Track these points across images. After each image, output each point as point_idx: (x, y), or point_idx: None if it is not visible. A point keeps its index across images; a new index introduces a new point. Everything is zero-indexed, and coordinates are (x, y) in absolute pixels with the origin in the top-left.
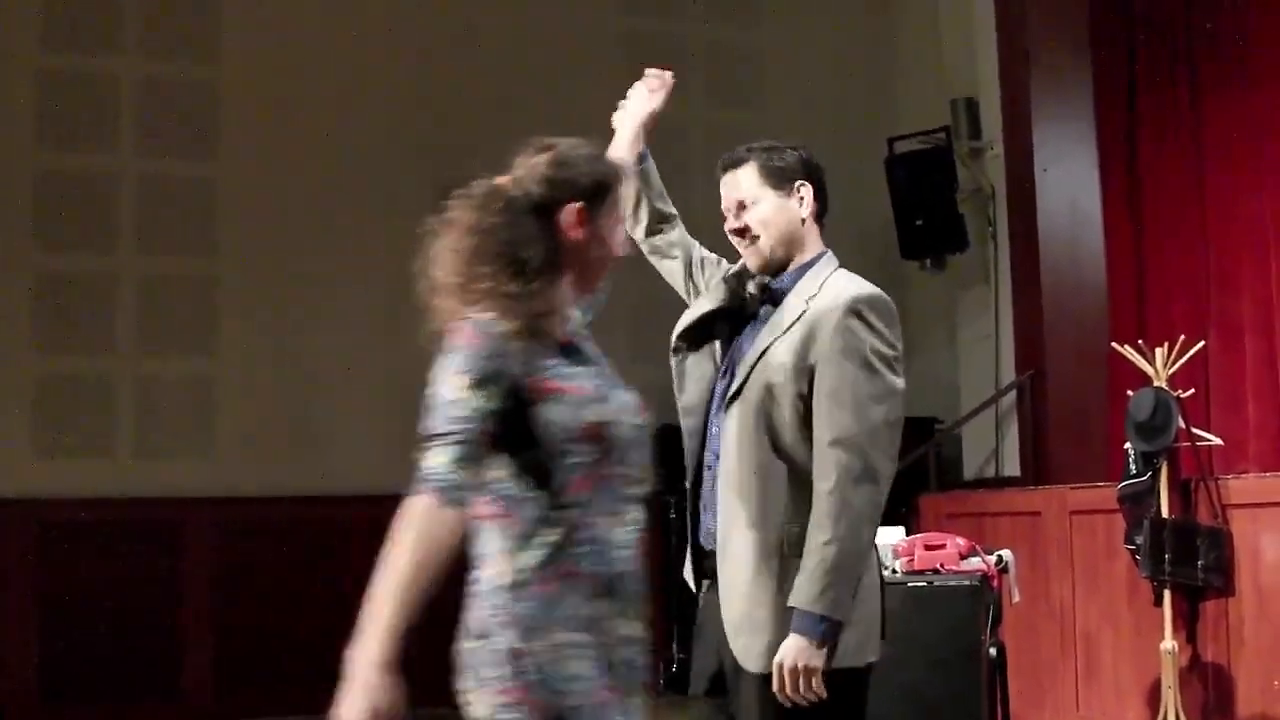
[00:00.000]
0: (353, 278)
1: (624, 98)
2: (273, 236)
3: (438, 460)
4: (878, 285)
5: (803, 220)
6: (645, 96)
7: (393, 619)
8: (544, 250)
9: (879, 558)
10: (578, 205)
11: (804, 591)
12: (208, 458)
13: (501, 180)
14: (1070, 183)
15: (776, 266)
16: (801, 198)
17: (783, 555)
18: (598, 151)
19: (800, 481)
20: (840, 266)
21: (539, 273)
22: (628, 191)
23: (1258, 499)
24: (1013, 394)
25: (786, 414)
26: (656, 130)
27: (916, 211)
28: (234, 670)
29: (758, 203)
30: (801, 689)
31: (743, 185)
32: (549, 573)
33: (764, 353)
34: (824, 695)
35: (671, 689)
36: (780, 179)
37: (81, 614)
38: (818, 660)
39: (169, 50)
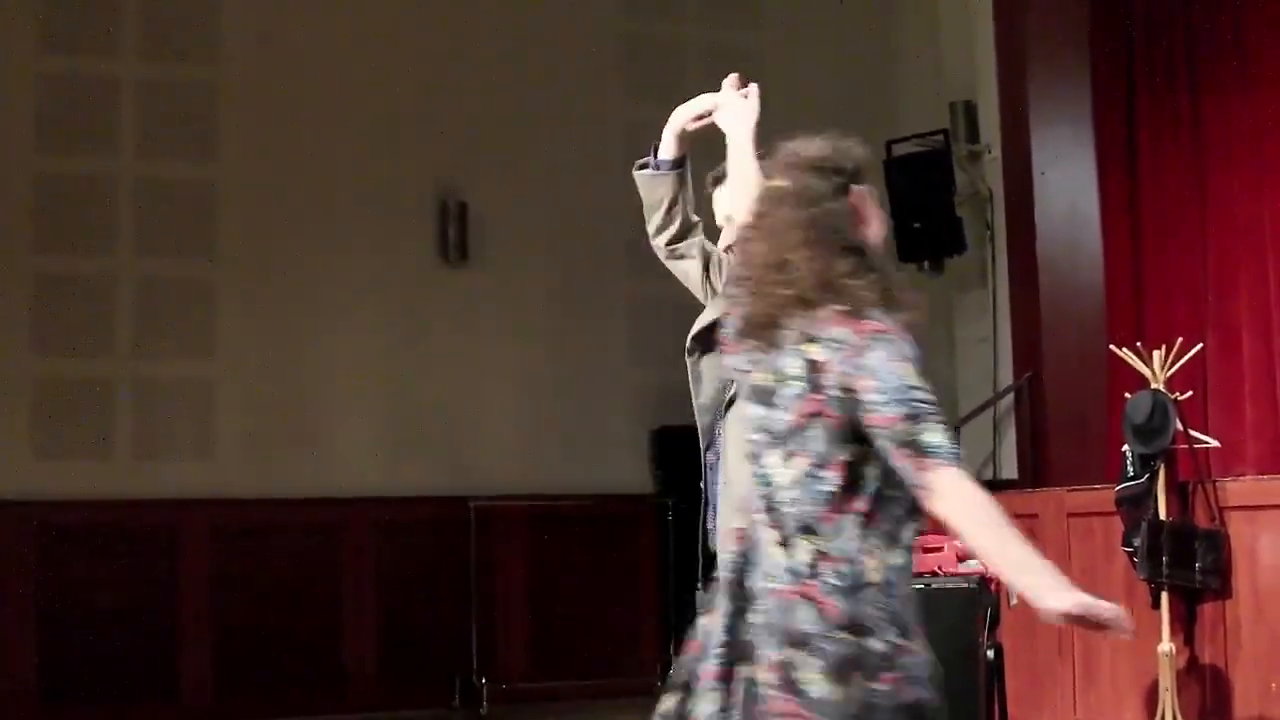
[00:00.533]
0: (351, 280)
1: (623, 99)
2: (271, 239)
3: (938, 437)
4: None
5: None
6: (709, 104)
7: (1027, 554)
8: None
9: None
10: (863, 188)
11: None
12: (206, 459)
13: (779, 182)
14: (1068, 185)
15: None
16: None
17: None
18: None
19: None
20: None
21: (869, 263)
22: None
23: (1255, 501)
24: (1011, 396)
25: None
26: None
27: (915, 214)
28: (232, 671)
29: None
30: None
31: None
32: (910, 576)
33: None
34: None
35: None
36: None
37: (80, 615)
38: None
39: (168, 53)
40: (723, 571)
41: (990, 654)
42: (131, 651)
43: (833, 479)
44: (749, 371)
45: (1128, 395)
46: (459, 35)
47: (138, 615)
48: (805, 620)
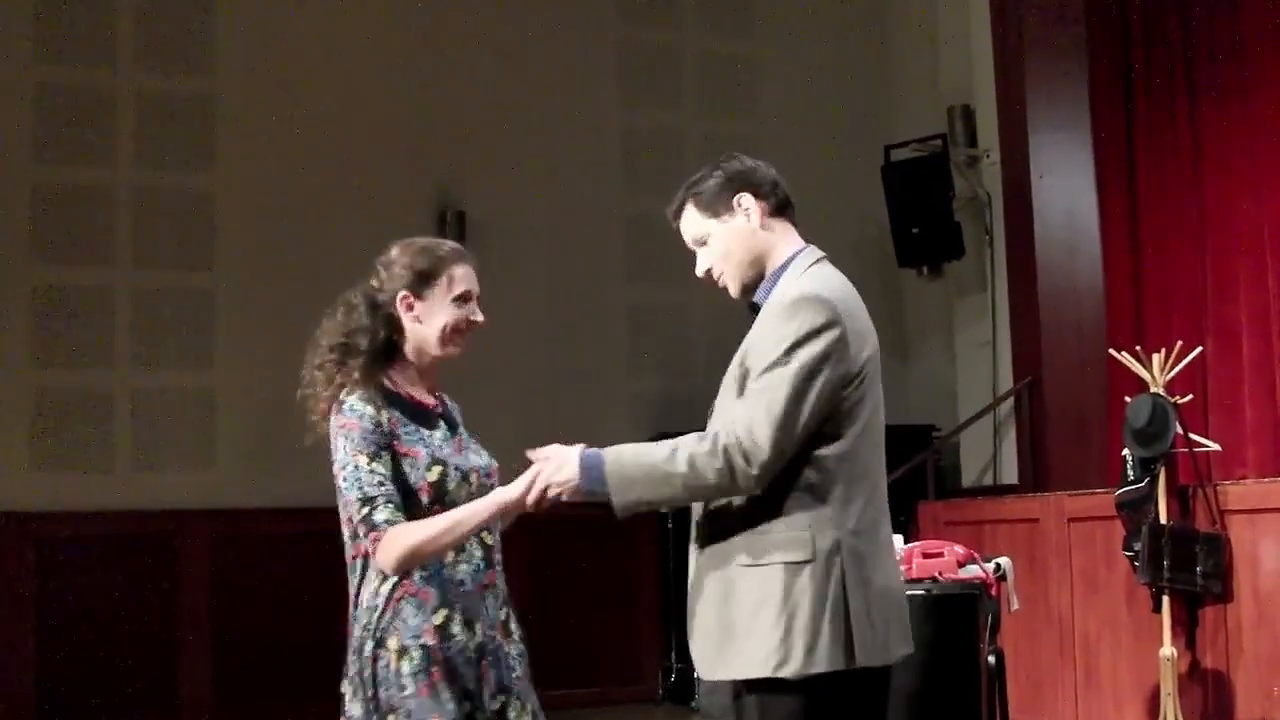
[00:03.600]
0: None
1: (620, 107)
2: (269, 249)
3: (383, 515)
4: (874, 293)
5: (758, 229)
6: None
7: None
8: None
9: (895, 562)
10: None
11: (628, 459)
12: (205, 470)
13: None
14: (1067, 190)
15: (754, 286)
16: (745, 209)
17: (729, 564)
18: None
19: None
20: (821, 260)
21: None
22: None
23: (1255, 505)
24: (1010, 401)
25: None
26: (652, 140)
27: (913, 219)
28: (232, 681)
29: (709, 239)
30: (535, 496)
31: (691, 228)
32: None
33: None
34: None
35: (672, 699)
36: (715, 204)
37: (79, 626)
38: (565, 488)
39: (165, 63)
40: None
41: (991, 659)
42: (131, 662)
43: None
44: None
45: (1128, 399)
46: (456, 44)
47: (137, 625)
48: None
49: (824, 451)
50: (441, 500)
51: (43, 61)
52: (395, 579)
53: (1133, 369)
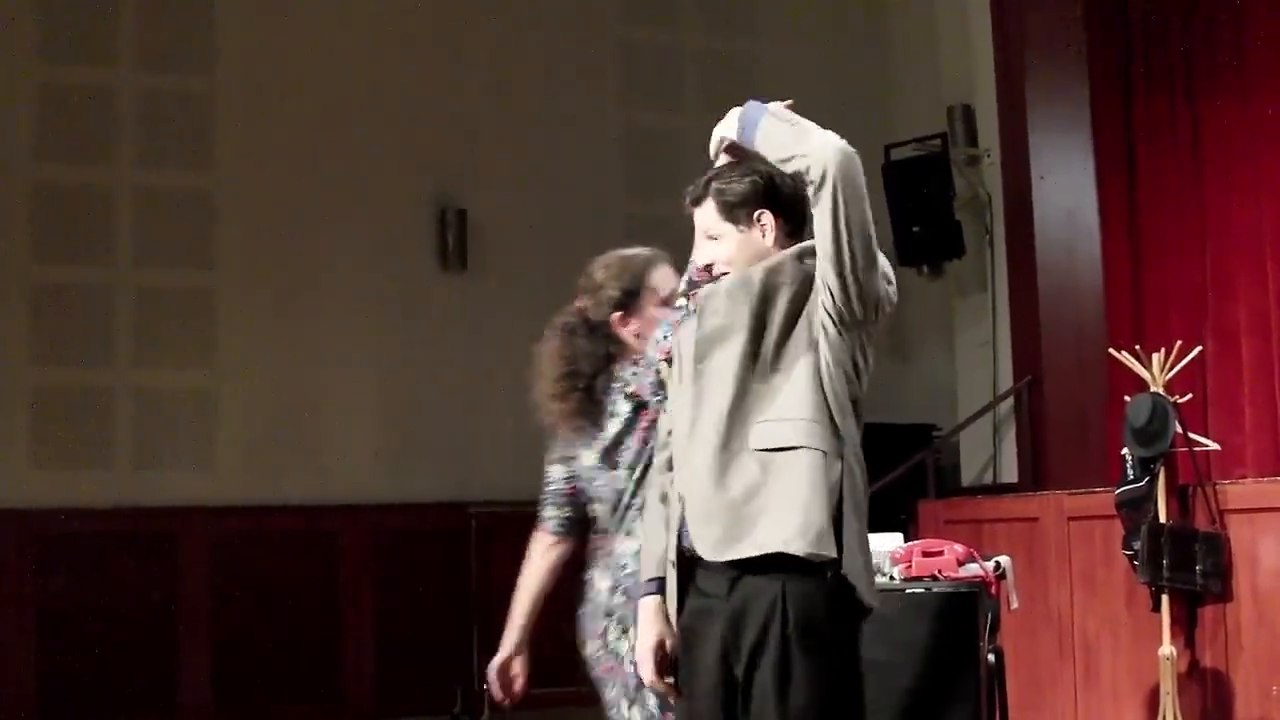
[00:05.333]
0: (350, 288)
1: (621, 106)
2: (270, 248)
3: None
4: None
5: (770, 247)
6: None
7: None
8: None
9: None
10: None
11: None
12: (205, 468)
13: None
14: (1067, 190)
15: None
16: (764, 226)
17: (731, 450)
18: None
19: (768, 382)
20: None
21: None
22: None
23: (1255, 504)
24: (1010, 400)
25: (760, 314)
26: (652, 140)
27: (913, 218)
28: (232, 680)
29: (721, 238)
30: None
31: (707, 222)
32: None
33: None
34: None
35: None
36: (737, 212)
37: (79, 624)
38: (731, 133)
39: (165, 63)
40: None
41: (991, 658)
42: (130, 660)
43: None
44: None
45: (1127, 398)
46: (456, 43)
47: (137, 624)
48: None
49: (840, 387)
50: None
51: (44, 60)
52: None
53: (1132, 368)
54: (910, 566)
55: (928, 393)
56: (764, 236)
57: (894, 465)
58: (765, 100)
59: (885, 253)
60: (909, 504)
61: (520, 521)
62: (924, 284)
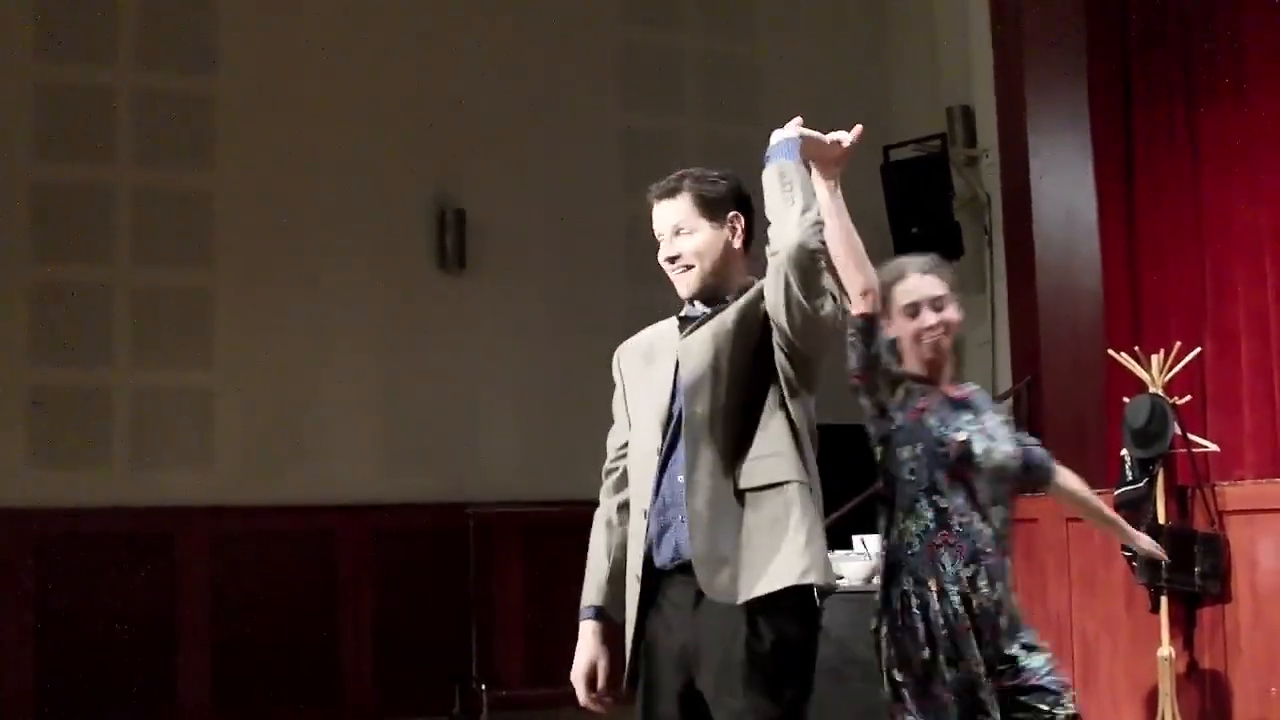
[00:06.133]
0: (349, 289)
1: (620, 108)
2: (269, 247)
3: None
4: None
5: (737, 249)
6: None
7: None
8: None
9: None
10: None
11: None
12: (204, 468)
13: None
14: (1066, 190)
15: (707, 295)
16: (734, 229)
17: (726, 492)
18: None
19: (751, 421)
20: None
21: None
22: None
23: (1254, 505)
24: (1009, 401)
25: (738, 359)
26: (651, 141)
27: (912, 219)
28: (231, 679)
29: (694, 232)
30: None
31: (678, 215)
32: None
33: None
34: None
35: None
36: (715, 210)
37: (77, 624)
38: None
39: (165, 62)
40: None
41: None
42: (129, 659)
43: None
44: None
45: (1126, 400)
46: (456, 43)
47: (135, 623)
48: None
49: (797, 405)
50: (969, 459)
51: (43, 59)
52: None
53: (1131, 369)
54: None
55: None
56: (733, 237)
57: None
58: (791, 140)
59: (884, 254)
60: None
61: (517, 521)
62: None
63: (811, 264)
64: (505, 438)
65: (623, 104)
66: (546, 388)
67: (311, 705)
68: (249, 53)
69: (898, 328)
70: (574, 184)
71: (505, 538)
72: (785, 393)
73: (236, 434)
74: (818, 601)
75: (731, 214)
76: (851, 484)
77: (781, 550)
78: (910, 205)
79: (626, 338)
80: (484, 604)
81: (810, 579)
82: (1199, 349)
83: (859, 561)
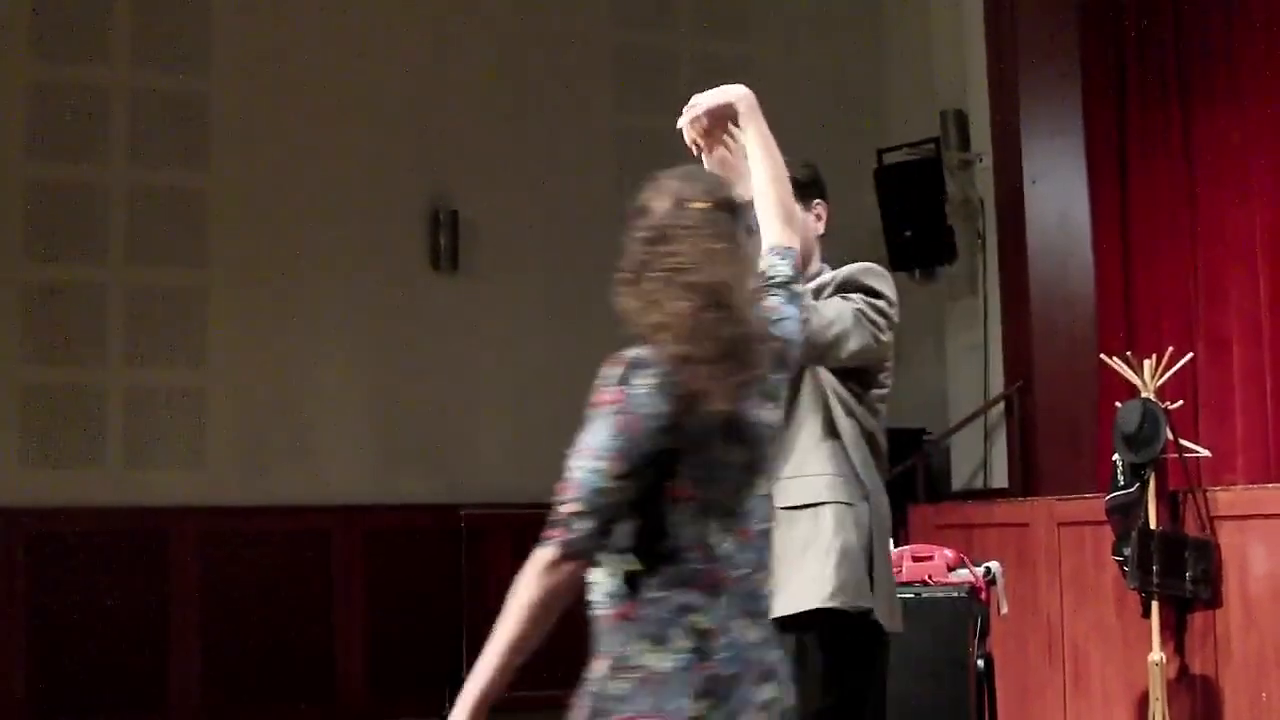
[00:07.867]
0: (342, 289)
1: (615, 109)
2: (263, 247)
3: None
4: None
5: (818, 234)
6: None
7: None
8: None
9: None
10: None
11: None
12: (197, 468)
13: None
14: (1059, 195)
15: None
16: (818, 215)
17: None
18: None
19: (793, 439)
20: None
21: None
22: None
23: (1245, 511)
24: (1001, 405)
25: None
26: (646, 142)
27: (906, 223)
28: (222, 681)
29: None
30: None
31: None
32: None
33: None
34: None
35: None
36: (803, 194)
37: (70, 623)
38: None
39: (160, 62)
40: None
41: (981, 664)
42: (121, 660)
43: None
44: None
45: (1118, 404)
46: (450, 44)
47: (128, 623)
48: None
49: (856, 419)
50: None
51: (37, 58)
52: None
53: (1123, 374)
54: (900, 571)
55: (918, 397)
56: (818, 224)
57: None
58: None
59: (877, 257)
60: (899, 508)
61: (510, 523)
62: (916, 288)
63: (822, 355)
64: (499, 439)
65: (616, 105)
66: (540, 389)
67: (304, 705)
68: (243, 52)
69: None
70: (568, 185)
71: (498, 539)
72: (841, 410)
73: (229, 434)
74: (851, 624)
75: (816, 200)
76: None
77: (810, 571)
78: (904, 209)
79: (619, 338)
80: (477, 605)
81: (835, 602)
82: (1191, 354)
83: None
